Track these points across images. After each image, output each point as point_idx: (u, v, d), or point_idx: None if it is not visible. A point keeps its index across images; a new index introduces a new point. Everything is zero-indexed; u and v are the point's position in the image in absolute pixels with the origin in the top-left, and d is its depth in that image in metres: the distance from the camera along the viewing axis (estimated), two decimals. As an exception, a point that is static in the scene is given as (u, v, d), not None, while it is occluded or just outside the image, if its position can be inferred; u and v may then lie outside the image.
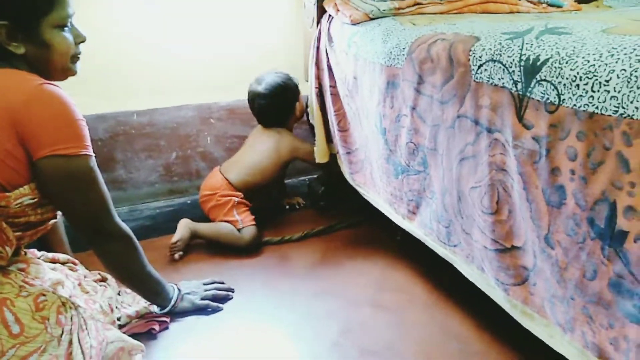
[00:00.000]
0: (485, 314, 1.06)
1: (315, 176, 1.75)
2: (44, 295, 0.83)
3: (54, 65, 0.86)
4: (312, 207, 1.71)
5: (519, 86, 0.73)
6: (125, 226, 0.94)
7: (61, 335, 0.80)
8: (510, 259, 0.80)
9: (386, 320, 1.09)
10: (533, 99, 0.71)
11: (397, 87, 1.07)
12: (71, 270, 1.10)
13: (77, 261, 1.14)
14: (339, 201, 1.66)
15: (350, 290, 1.21)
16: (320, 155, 1.58)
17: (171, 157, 1.74)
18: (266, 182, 1.56)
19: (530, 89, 0.71)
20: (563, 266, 0.66)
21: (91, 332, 0.84)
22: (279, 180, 1.65)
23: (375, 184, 1.29)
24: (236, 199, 1.48)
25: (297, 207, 1.71)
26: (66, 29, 0.86)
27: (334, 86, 1.39)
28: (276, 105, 1.54)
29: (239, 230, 1.41)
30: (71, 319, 0.83)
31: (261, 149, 1.56)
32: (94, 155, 0.88)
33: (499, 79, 0.78)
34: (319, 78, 1.49)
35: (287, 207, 1.71)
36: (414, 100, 1.02)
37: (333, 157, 1.57)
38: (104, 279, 1.15)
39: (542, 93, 0.69)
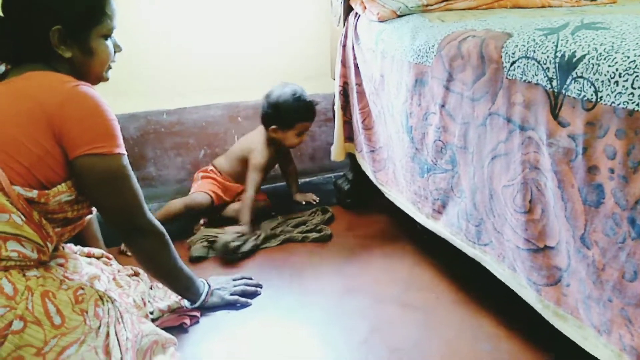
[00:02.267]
0: (515, 314, 1.05)
1: (342, 174, 1.75)
2: (82, 288, 0.86)
3: (93, 71, 0.90)
4: (338, 205, 1.71)
5: (554, 83, 0.72)
6: (157, 222, 0.96)
7: (99, 328, 0.83)
8: (543, 259, 0.78)
9: (414, 319, 1.09)
10: (569, 96, 0.70)
11: (425, 85, 1.06)
12: (106, 264, 1.14)
13: (111, 256, 1.17)
14: (365, 199, 1.66)
15: (377, 288, 1.21)
16: (337, 153, 1.59)
17: (200, 155, 1.77)
18: (239, 171, 1.61)
19: (566, 86, 0.70)
20: (600, 267, 0.64)
21: (127, 325, 0.87)
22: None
23: (398, 183, 1.28)
24: (202, 174, 1.61)
25: (314, 203, 1.72)
26: (109, 39, 0.90)
27: (360, 84, 1.39)
28: (277, 109, 1.52)
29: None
30: (108, 312, 0.85)
31: (245, 139, 1.65)
32: (126, 153, 0.90)
33: (533, 75, 0.76)
34: (344, 76, 1.50)
35: (304, 203, 1.72)
36: (443, 97, 1.01)
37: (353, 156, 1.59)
38: (136, 274, 1.18)
39: (578, 90, 0.68)
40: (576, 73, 0.68)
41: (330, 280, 1.25)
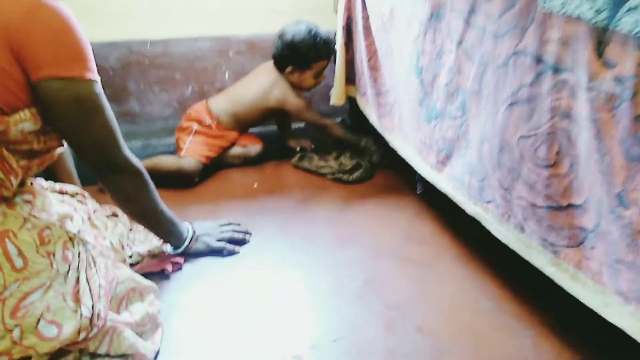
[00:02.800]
0: (519, 275, 0.99)
1: (340, 120, 1.65)
2: (49, 228, 0.77)
3: None
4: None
5: (602, 16, 0.61)
6: (136, 160, 0.86)
7: (67, 272, 0.75)
8: (565, 218, 0.71)
9: (412, 274, 1.03)
10: (619, 32, 0.59)
11: (441, 19, 0.94)
12: (80, 203, 1.04)
13: (86, 194, 1.08)
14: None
15: (374, 240, 1.14)
16: (337, 96, 1.48)
17: (187, 92, 1.65)
18: (248, 121, 1.51)
19: (616, 20, 0.59)
20: (638, 228, 0.57)
21: (100, 271, 0.79)
22: (261, 122, 1.55)
23: (404, 130, 1.19)
24: (197, 126, 1.44)
25: (309, 149, 1.63)
26: None
27: (366, 18, 1.26)
28: (294, 48, 1.42)
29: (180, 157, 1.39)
30: (78, 255, 0.77)
31: (255, 84, 1.49)
32: (99, 80, 0.79)
33: (575, 8, 0.65)
34: (349, 10, 1.36)
35: (298, 148, 1.63)
36: (461, 33, 0.89)
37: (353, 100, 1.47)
38: (114, 215, 1.09)
39: (632, 24, 0.57)
40: (632, 3, 0.57)
41: (324, 230, 1.18)
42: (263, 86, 1.47)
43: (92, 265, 0.78)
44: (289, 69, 1.44)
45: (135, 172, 0.86)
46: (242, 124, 1.51)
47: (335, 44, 1.45)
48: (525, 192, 0.79)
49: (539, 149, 0.75)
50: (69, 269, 0.75)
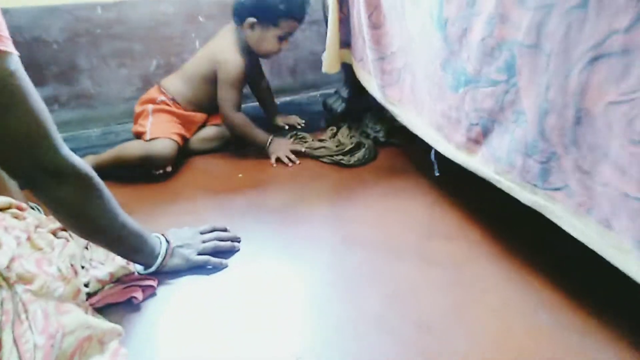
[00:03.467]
0: (579, 275, 0.81)
1: (334, 91, 1.41)
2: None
3: None
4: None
5: None
6: (78, 160, 0.63)
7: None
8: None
9: (442, 279, 0.83)
10: None
11: (477, -49, 0.71)
12: (17, 218, 0.80)
13: (25, 205, 0.84)
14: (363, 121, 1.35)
15: (388, 238, 0.94)
16: (330, 63, 1.24)
17: (151, 66, 1.39)
18: (208, 99, 1.25)
19: None
20: None
21: (36, 323, 0.57)
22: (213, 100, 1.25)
23: (417, 101, 0.97)
24: (152, 106, 1.21)
25: (298, 127, 1.40)
26: None
27: (366, -37, 1.01)
28: (243, 2, 1.17)
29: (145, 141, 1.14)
30: (1, 305, 0.55)
31: (206, 50, 1.25)
32: (17, 53, 0.55)
33: None
34: (342, -46, 1.11)
35: (286, 127, 1.40)
36: (508, -32, 0.67)
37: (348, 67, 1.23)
38: (65, 229, 0.86)
39: None
40: None
41: (325, 229, 0.97)
42: (213, 47, 1.23)
43: (23, 317, 0.56)
44: (249, 20, 1.17)
45: (79, 175, 0.63)
46: (204, 104, 1.27)
47: (306, 5, 1.21)
48: (614, 177, 0.59)
49: (637, 120, 0.54)
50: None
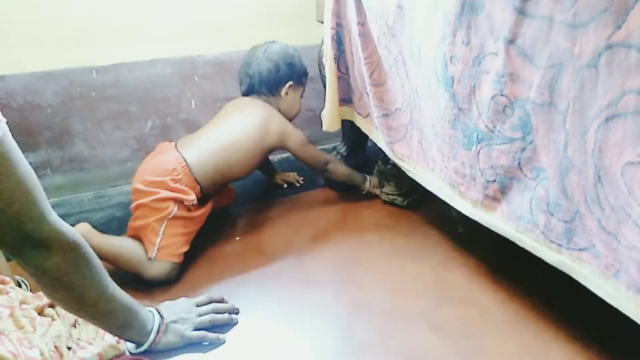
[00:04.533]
0: (607, 338, 0.75)
1: (332, 146, 1.39)
2: None
3: None
4: (328, 187, 1.36)
5: None
6: (67, 228, 0.60)
7: None
8: None
9: (456, 349, 0.77)
10: None
11: (478, 12, 0.71)
12: (-1, 293, 0.75)
13: (8, 279, 0.78)
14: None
15: (394, 305, 0.88)
16: (330, 121, 1.23)
17: (146, 127, 1.37)
18: (238, 176, 1.09)
19: None
20: None
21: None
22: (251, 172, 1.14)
23: (428, 157, 0.94)
24: (175, 209, 0.95)
25: (298, 185, 1.37)
26: None
27: (362, 23, 1.02)
28: (291, 58, 1.18)
29: (149, 259, 0.93)
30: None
31: (244, 122, 1.08)
32: (4, 120, 0.53)
33: None
34: (337, 15, 1.12)
35: (285, 185, 1.37)
36: (512, 28, 0.66)
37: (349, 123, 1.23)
38: (52, 305, 0.80)
39: None
40: None
41: (331, 297, 0.91)
42: (257, 122, 1.09)
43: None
44: (287, 85, 1.17)
45: (67, 246, 0.59)
46: (226, 182, 1.11)
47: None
48: (638, 238, 0.55)
49: (663, 182, 0.51)
50: None
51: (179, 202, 0.96)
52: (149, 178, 0.96)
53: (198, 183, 1.00)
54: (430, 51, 0.81)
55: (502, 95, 0.70)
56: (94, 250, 0.92)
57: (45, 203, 0.57)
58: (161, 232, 0.94)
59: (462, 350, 0.77)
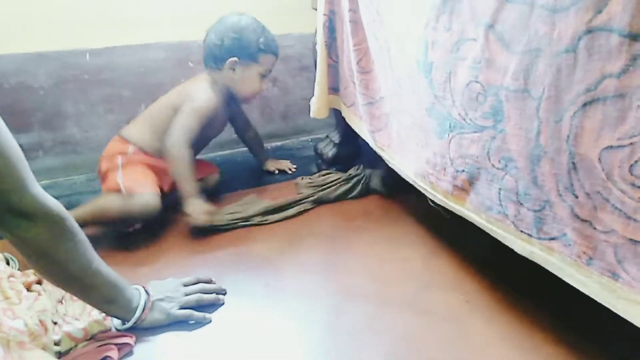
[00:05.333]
0: (580, 331, 0.76)
1: (325, 136, 1.40)
2: None
3: None
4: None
5: None
6: (51, 201, 0.61)
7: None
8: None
9: (440, 334, 0.78)
10: None
11: (462, -2, 0.72)
12: (-13, 267, 0.76)
13: (-3, 256, 0.79)
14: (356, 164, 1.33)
15: (383, 290, 0.89)
16: (319, 108, 1.24)
17: (139, 111, 1.37)
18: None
19: None
20: None
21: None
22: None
23: (404, 147, 0.95)
24: (121, 158, 1.08)
25: (290, 172, 1.38)
26: None
27: (354, 10, 1.02)
28: (240, 32, 1.11)
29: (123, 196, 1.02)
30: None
31: (175, 91, 1.17)
32: None
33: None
34: (330, 2, 1.12)
35: (276, 172, 1.38)
36: (494, 13, 0.66)
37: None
38: (40, 281, 0.81)
39: None
40: None
41: (319, 280, 0.92)
42: (187, 89, 1.14)
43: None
44: (231, 60, 1.11)
45: (49, 217, 0.60)
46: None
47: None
48: (618, 224, 0.56)
49: (638, 165, 0.52)
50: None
51: (120, 153, 1.09)
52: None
53: (140, 147, 1.11)
54: (414, 37, 0.82)
55: (476, 82, 0.71)
56: (83, 219, 0.93)
57: (29, 175, 0.58)
58: (119, 176, 1.05)
59: (447, 334, 0.78)
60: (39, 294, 0.77)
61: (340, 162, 1.34)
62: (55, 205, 0.61)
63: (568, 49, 0.58)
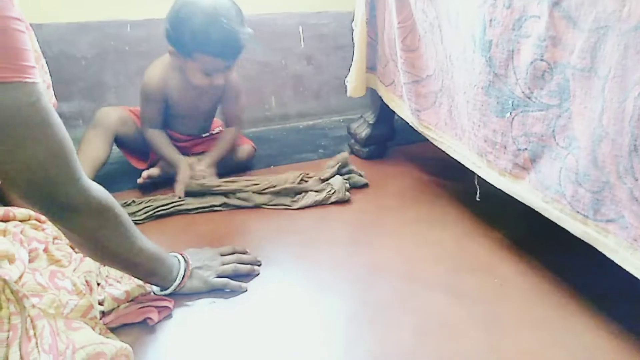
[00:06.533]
0: (622, 318, 0.75)
1: (359, 116, 1.39)
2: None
3: None
4: (352, 155, 1.36)
5: None
6: (97, 190, 0.59)
7: (-7, 348, 0.49)
8: None
9: (473, 315, 0.77)
10: None
11: (523, -27, 0.69)
12: (35, 229, 0.78)
13: (42, 217, 0.81)
14: (387, 149, 1.32)
15: (414, 269, 0.89)
16: (356, 87, 1.23)
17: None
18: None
19: None
20: None
21: (43, 340, 0.53)
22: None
23: (457, 125, 0.93)
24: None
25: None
26: None
27: (401, -14, 1.00)
28: (175, 23, 1.00)
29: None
30: (8, 320, 0.51)
31: None
32: (39, 81, 0.51)
33: None
34: (373, -22, 1.10)
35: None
36: (558, -11, 0.64)
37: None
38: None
39: None
40: None
41: (349, 257, 0.92)
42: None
43: (31, 333, 0.52)
44: (169, 48, 1.05)
45: (95, 208, 0.59)
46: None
47: (234, 44, 1.02)
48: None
49: None
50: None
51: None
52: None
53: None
54: (469, 14, 0.80)
55: (541, 60, 0.69)
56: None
57: (77, 167, 0.56)
58: None
59: (480, 316, 0.77)
60: (84, 257, 0.79)
61: (373, 142, 1.33)
62: (101, 193, 0.60)
63: (637, 26, 0.56)
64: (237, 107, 1.22)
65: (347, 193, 1.11)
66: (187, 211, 1.06)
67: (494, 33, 0.75)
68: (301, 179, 1.14)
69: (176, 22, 0.99)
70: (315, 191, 1.11)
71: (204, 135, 1.26)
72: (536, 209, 0.76)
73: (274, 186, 1.10)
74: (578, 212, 0.68)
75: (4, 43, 0.46)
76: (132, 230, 0.67)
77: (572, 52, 0.64)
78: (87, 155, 1.08)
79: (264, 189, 1.10)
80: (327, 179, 1.13)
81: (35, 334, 0.52)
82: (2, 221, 0.73)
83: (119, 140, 1.16)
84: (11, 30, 0.46)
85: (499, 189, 0.84)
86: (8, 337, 0.50)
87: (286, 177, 1.13)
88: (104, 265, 0.77)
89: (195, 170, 1.11)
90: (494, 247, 0.95)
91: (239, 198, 1.09)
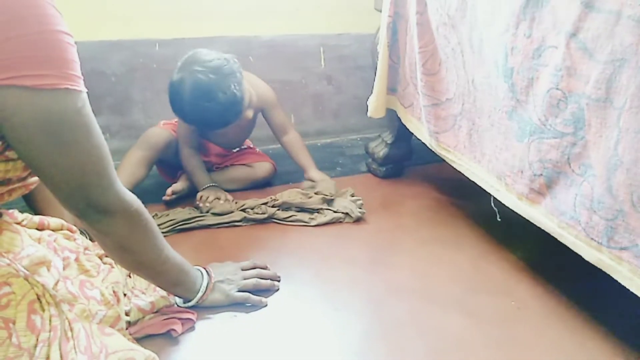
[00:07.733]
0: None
1: (377, 135, 1.42)
2: (8, 284, 0.54)
3: None
4: (369, 173, 1.39)
5: None
6: (130, 196, 0.63)
7: (35, 347, 0.52)
8: None
9: (490, 337, 0.78)
10: None
11: (543, 5, 0.72)
12: (67, 239, 0.81)
13: (75, 228, 0.85)
14: (404, 168, 1.34)
15: (431, 289, 0.90)
16: (377, 107, 1.25)
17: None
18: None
19: None
20: None
21: (79, 342, 0.56)
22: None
23: (476, 149, 0.95)
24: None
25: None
26: None
27: (422, 13, 1.03)
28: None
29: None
30: (49, 321, 0.54)
31: None
32: (85, 91, 0.55)
33: None
34: (395, 4, 1.14)
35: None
36: (576, 22, 0.66)
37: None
38: (109, 254, 0.86)
39: None
40: None
41: (367, 275, 0.94)
42: None
43: (69, 335, 0.55)
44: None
45: (128, 213, 0.63)
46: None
47: (218, 123, 1.11)
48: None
49: None
50: (36, 342, 0.52)
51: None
52: None
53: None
54: (492, 42, 0.83)
55: (557, 89, 0.71)
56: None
57: (113, 172, 0.60)
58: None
59: (496, 338, 0.78)
60: (112, 266, 0.82)
61: (390, 161, 1.35)
62: (134, 200, 0.63)
63: (654, 59, 0.57)
64: (279, 117, 1.28)
65: (360, 209, 1.13)
66: (209, 226, 1.09)
67: (515, 61, 0.78)
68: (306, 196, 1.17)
69: (169, 88, 1.08)
70: (333, 210, 1.14)
71: (234, 150, 1.31)
72: (552, 234, 0.77)
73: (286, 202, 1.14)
74: (592, 238, 0.69)
75: (55, 53, 0.50)
76: (160, 238, 0.70)
77: (587, 83, 0.66)
78: (127, 172, 1.13)
79: (277, 205, 1.14)
80: (330, 200, 1.16)
81: (72, 335, 0.55)
82: (38, 229, 0.77)
83: (157, 160, 1.21)
84: (63, 42, 0.51)
85: (514, 212, 0.86)
86: (49, 337, 0.53)
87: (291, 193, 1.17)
88: (132, 273, 0.80)
89: (219, 196, 1.17)
90: (510, 269, 0.96)
91: (257, 213, 1.12)
